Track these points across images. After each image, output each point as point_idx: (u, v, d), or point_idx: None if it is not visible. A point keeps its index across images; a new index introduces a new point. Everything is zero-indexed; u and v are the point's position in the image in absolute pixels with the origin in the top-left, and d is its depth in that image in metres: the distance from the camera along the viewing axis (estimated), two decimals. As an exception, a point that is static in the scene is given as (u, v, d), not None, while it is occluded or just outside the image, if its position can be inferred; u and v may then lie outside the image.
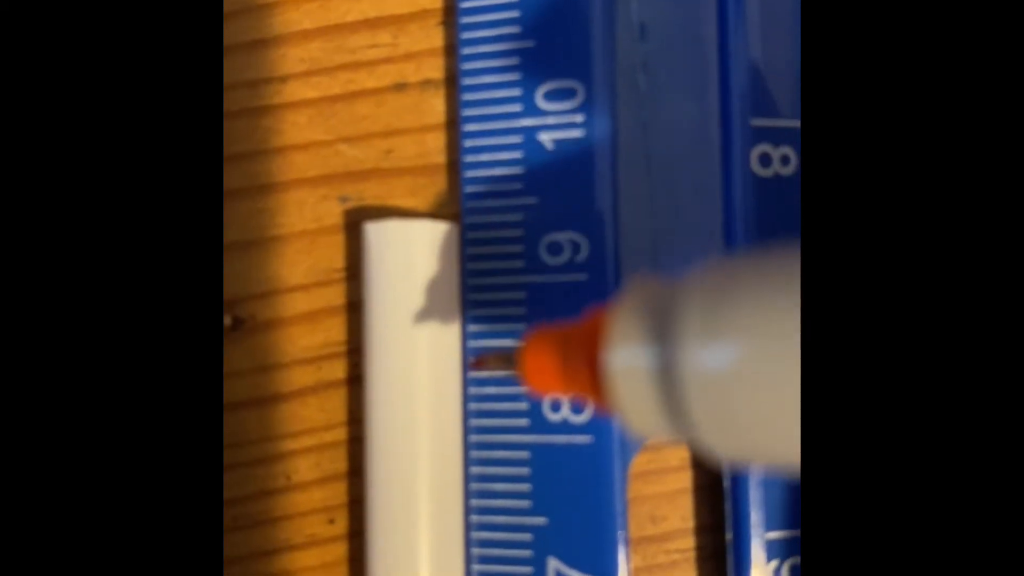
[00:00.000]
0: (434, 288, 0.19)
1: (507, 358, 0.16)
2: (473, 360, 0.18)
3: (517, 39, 0.20)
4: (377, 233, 0.19)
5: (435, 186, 0.21)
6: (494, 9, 0.20)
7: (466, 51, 0.20)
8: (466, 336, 0.20)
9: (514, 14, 0.20)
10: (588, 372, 0.14)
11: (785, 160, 0.19)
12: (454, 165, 0.21)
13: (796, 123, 0.19)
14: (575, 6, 0.19)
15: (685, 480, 0.20)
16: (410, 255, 0.19)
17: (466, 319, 0.20)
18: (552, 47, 0.20)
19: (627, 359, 0.13)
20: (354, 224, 0.21)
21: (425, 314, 0.19)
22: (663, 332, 0.12)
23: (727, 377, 0.11)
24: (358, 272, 0.20)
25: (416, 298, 0.19)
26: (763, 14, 0.19)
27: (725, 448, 0.12)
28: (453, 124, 0.21)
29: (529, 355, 0.15)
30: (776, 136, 0.19)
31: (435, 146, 0.21)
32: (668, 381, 0.12)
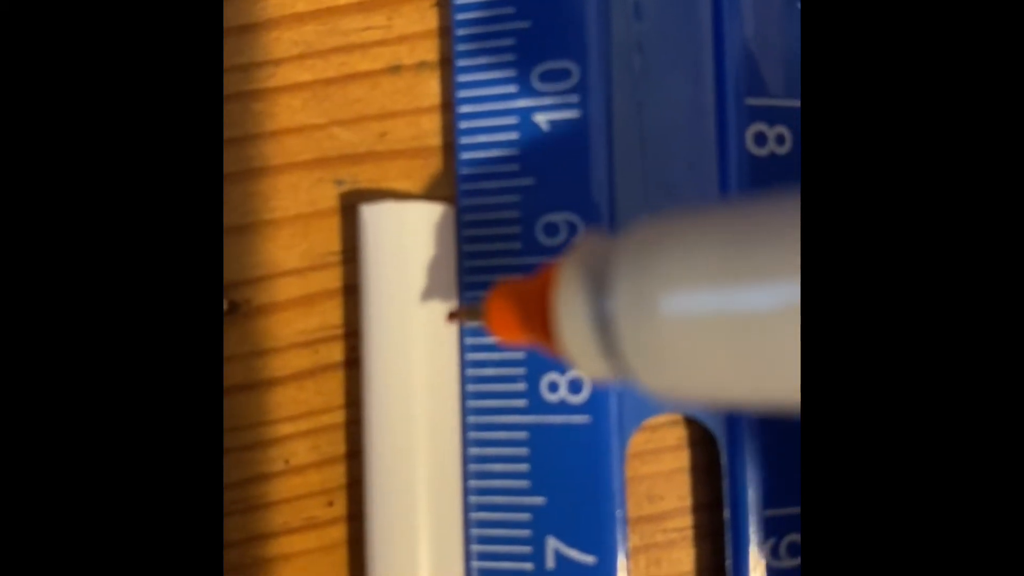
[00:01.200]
0: (430, 269, 0.19)
1: (475, 310, 0.17)
2: (448, 314, 0.19)
3: (511, 20, 0.20)
4: (373, 215, 0.19)
5: (430, 168, 0.21)
6: (488, -10, 0.20)
7: (460, 32, 0.20)
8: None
9: (508, -5, 0.20)
10: (541, 320, 0.15)
11: (780, 139, 0.19)
12: (449, 147, 0.21)
13: (791, 102, 0.19)
14: (569, -14, 0.19)
15: (683, 459, 0.20)
16: (406, 237, 0.19)
17: (463, 301, 0.20)
18: (546, 28, 0.20)
19: (569, 306, 0.14)
20: (349, 207, 0.21)
21: (421, 295, 0.19)
22: (600, 281, 0.14)
23: (654, 321, 0.13)
24: (353, 255, 0.20)
25: (412, 279, 0.19)
26: (757, -7, 0.19)
27: (658, 386, 0.13)
28: (448, 106, 0.21)
29: (492, 307, 0.16)
30: (771, 115, 0.19)
31: (430, 128, 0.21)
32: (604, 326, 0.14)
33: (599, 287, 0.14)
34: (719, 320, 0.12)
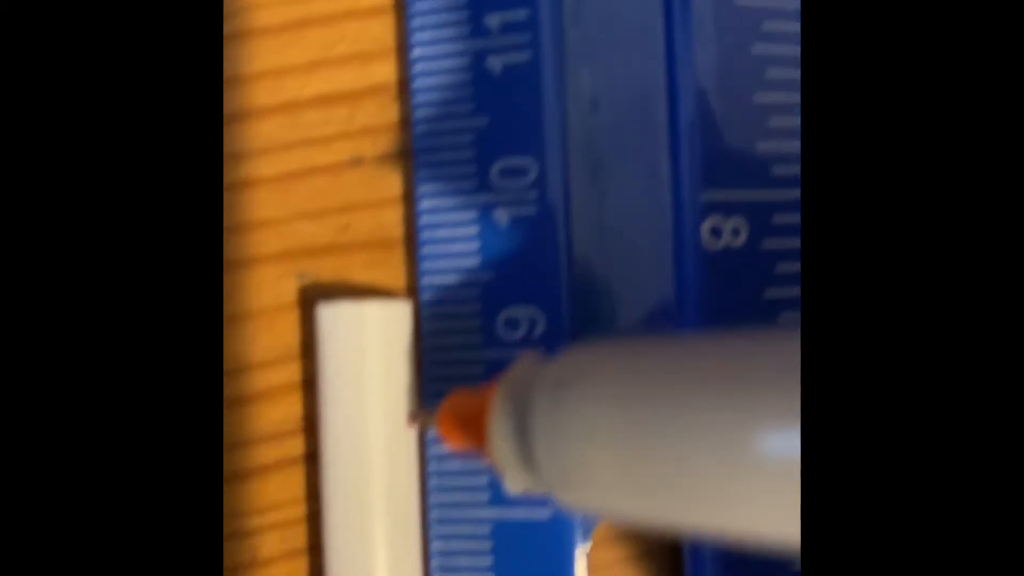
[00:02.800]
0: (388, 367, 0.19)
1: (430, 416, 0.19)
2: (408, 416, 0.19)
3: (470, 116, 0.20)
4: (329, 315, 0.19)
5: (393, 260, 0.21)
6: (448, 88, 0.20)
7: (420, 129, 0.20)
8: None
9: (467, 92, 0.20)
10: (481, 436, 0.17)
11: (736, 232, 0.20)
12: (412, 239, 0.21)
13: (747, 194, 0.20)
14: (527, 82, 0.20)
15: (645, 545, 0.20)
16: (362, 337, 0.19)
17: (426, 395, 0.20)
18: (505, 125, 0.20)
19: (498, 428, 0.16)
20: (312, 300, 0.21)
21: (379, 394, 0.19)
22: (523, 408, 0.16)
23: (563, 449, 0.15)
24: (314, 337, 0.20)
25: (370, 379, 0.19)
26: (713, 85, 0.20)
27: (573, 502, 0.15)
28: (410, 197, 0.21)
29: (443, 416, 0.18)
30: (727, 208, 0.20)
31: (392, 220, 0.21)
32: (527, 449, 0.15)
33: (523, 413, 0.16)
34: (619, 450, 0.14)
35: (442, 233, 0.20)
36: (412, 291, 0.21)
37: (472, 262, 0.20)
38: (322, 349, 0.19)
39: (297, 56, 0.21)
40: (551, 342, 0.19)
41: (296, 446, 0.21)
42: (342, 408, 0.19)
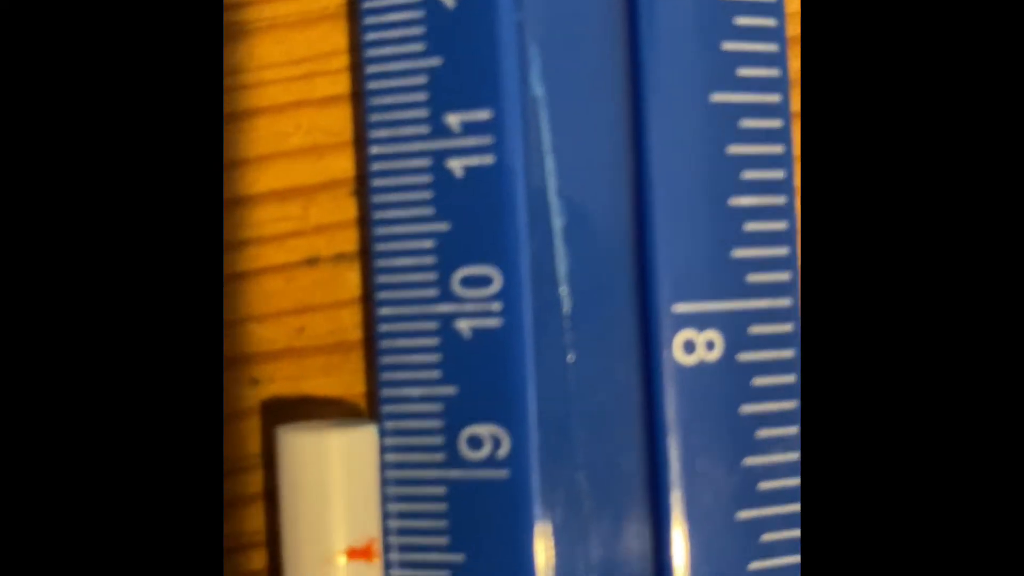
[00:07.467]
0: (350, 494, 0.18)
1: None
2: None
3: (430, 220, 0.19)
4: (289, 442, 0.18)
5: (351, 364, 0.20)
6: (406, 188, 0.19)
7: (378, 231, 0.19)
8: (387, 543, 0.19)
9: (426, 194, 0.19)
10: None
11: (710, 345, 0.19)
12: (371, 341, 0.20)
13: (720, 305, 0.19)
14: (490, 187, 0.19)
15: None
16: (325, 466, 0.18)
17: (386, 515, 0.19)
18: (467, 230, 0.19)
19: None
20: (267, 407, 0.20)
21: (342, 520, 0.18)
22: None
23: None
24: (271, 459, 0.19)
25: (332, 506, 0.18)
26: (685, 188, 0.19)
27: None
28: (369, 298, 0.20)
29: None
30: (700, 320, 0.19)
31: (350, 322, 0.20)
32: None
33: None
34: None
35: (401, 343, 0.19)
36: (371, 396, 0.20)
37: (433, 375, 0.19)
38: (283, 474, 0.18)
39: (247, 148, 0.20)
40: (517, 463, 0.18)
41: (256, 560, 0.20)
42: (305, 532, 0.18)
